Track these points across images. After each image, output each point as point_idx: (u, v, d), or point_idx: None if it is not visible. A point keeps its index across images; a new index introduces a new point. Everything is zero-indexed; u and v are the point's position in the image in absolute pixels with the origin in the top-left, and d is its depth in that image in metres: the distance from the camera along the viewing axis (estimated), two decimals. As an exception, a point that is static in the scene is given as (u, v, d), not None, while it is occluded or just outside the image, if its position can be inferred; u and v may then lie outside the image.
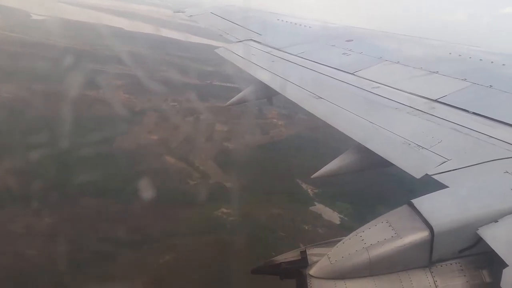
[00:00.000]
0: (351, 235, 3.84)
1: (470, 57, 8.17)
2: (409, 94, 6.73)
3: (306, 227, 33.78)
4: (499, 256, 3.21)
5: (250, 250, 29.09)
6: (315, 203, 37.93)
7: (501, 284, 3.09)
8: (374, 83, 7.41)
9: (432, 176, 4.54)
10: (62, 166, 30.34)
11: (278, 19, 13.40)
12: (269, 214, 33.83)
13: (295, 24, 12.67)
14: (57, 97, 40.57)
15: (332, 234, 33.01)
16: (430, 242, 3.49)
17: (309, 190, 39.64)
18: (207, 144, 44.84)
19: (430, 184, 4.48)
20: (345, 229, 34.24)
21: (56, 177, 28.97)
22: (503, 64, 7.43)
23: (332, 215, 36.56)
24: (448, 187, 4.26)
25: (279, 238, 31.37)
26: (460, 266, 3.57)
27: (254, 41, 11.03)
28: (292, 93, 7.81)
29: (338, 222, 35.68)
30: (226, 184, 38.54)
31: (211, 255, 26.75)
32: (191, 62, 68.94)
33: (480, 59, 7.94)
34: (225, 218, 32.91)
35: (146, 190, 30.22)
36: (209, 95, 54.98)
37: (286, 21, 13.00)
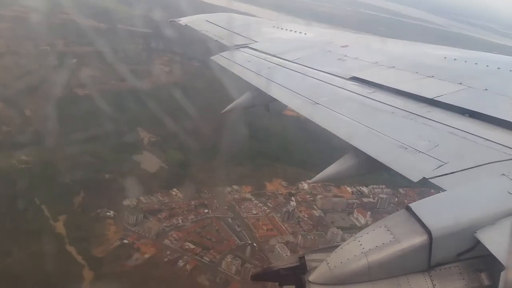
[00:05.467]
0: (349, 240, 3.82)
1: (465, 61, 8.21)
2: (405, 99, 6.76)
3: (107, 176, 32.92)
4: (498, 259, 3.21)
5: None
6: (144, 151, 36.89)
7: (500, 287, 3.09)
8: (370, 88, 7.44)
9: (429, 180, 4.55)
10: None
11: (273, 26, 13.46)
12: (76, 163, 32.79)
13: (291, 30, 12.73)
14: None
15: (137, 182, 32.48)
16: (429, 246, 3.48)
17: (145, 139, 38.47)
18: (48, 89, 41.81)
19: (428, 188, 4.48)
20: (155, 178, 34.00)
21: None
22: (498, 68, 7.47)
23: (152, 164, 35.55)
24: (445, 190, 4.27)
25: (60, 188, 31.18)
26: (459, 269, 3.56)
27: (250, 48, 11.05)
28: (289, 99, 7.83)
29: (153, 171, 35.06)
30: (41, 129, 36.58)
31: None
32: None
33: (475, 63, 7.99)
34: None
35: None
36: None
37: (282, 28, 13.06)
